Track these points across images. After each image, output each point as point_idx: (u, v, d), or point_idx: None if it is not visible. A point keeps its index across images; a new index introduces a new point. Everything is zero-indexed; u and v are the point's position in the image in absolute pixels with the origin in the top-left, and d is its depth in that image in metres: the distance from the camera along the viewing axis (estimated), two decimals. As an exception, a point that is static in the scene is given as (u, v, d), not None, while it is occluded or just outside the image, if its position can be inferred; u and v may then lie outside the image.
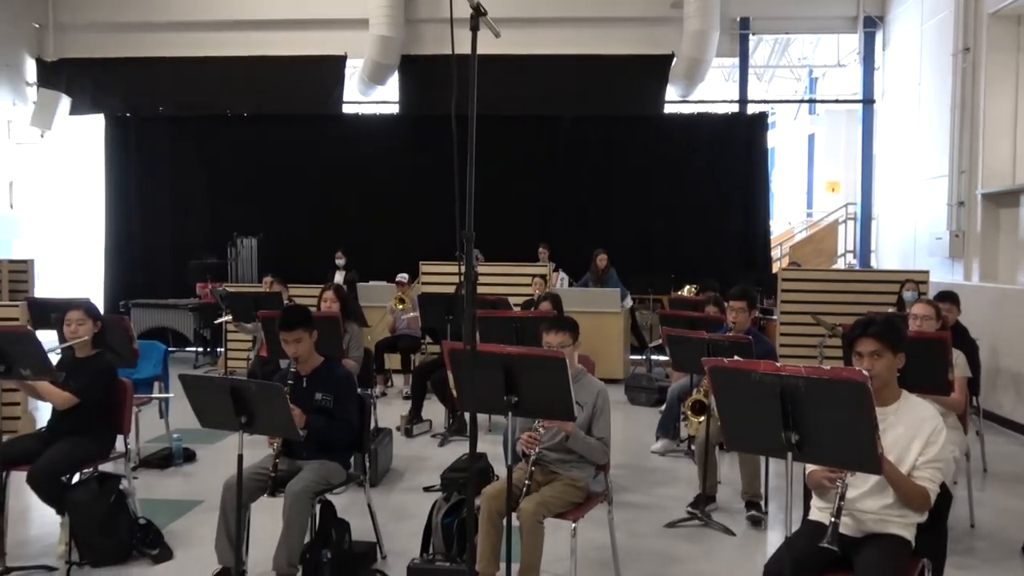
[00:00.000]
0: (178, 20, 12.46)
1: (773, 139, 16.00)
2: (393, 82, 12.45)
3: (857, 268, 12.72)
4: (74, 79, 12.68)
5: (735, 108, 12.63)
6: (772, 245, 13.26)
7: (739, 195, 12.05)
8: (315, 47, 12.30)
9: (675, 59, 11.86)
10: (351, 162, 12.38)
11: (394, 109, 12.72)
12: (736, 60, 12.77)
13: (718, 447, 5.30)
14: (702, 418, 5.14)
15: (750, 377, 2.63)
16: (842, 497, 2.80)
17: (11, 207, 12.25)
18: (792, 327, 8.80)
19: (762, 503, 5.11)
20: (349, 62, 12.42)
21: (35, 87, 12.68)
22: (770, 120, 13.77)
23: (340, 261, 10.85)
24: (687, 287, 10.25)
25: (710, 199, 12.00)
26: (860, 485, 3.00)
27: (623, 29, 12.05)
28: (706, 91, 13.05)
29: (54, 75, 12.69)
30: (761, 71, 17.34)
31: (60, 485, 4.35)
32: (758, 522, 5.00)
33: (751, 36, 12.67)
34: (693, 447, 6.04)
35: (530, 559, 3.59)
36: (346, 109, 12.71)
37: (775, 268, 12.55)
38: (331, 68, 12.37)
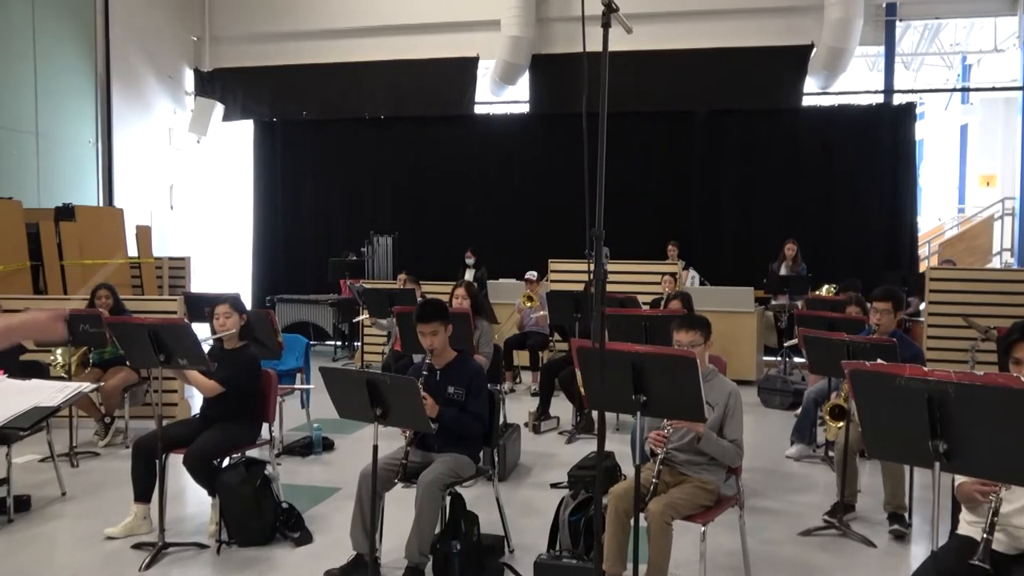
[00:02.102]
0: (320, 28, 13.02)
1: (922, 130, 15.12)
2: (524, 82, 12.56)
3: (1015, 267, 11.85)
4: (227, 88, 13.51)
5: (880, 99, 12.01)
6: (920, 243, 12.53)
7: (884, 190, 11.46)
8: (448, 49, 12.57)
9: (815, 49, 11.40)
10: (482, 162, 12.60)
11: (524, 109, 12.84)
12: (881, 48, 12.13)
13: (859, 454, 5.07)
14: (841, 424, 4.93)
15: (895, 382, 2.50)
16: (996, 512, 2.62)
17: (171, 208, 13.18)
18: (941, 330, 8.29)
19: (906, 515, 4.86)
20: (481, 63, 12.62)
21: (192, 96, 13.59)
22: (919, 111, 12.98)
23: (470, 260, 11.06)
24: (825, 287, 9.84)
25: (852, 194, 11.47)
26: (1016, 500, 2.80)
27: (759, 20, 11.68)
28: (849, 82, 12.46)
29: (209, 84, 13.57)
30: (909, 59, 16.39)
31: (212, 468, 4.64)
32: (901, 536, 4.75)
33: (898, 22, 12.01)
34: (831, 453, 5.80)
35: (658, 560, 3.55)
36: (478, 110, 12.92)
37: (923, 267, 11.86)
38: (464, 69, 12.61)
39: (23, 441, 5.44)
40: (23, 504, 5.12)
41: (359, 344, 10.33)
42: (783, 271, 10.30)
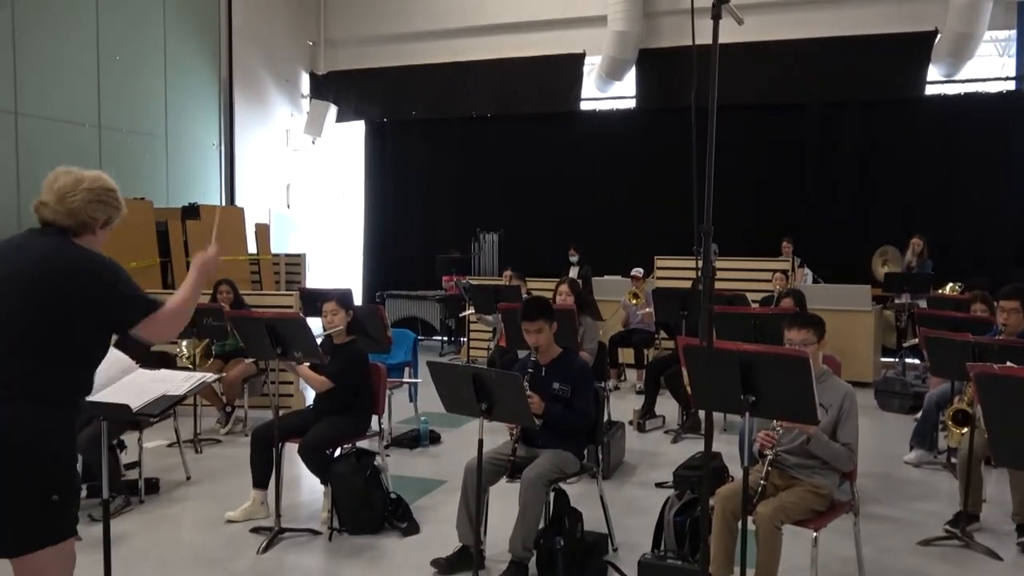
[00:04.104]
0: (429, 29, 13.27)
1: (1059, 119, 14.12)
2: (630, 77, 12.45)
3: None
4: (340, 90, 13.95)
5: (1011, 86, 11.31)
6: (1056, 239, 11.74)
7: (1015, 182, 10.79)
8: (555, 46, 12.58)
9: (939, 35, 10.83)
10: (587, 158, 12.56)
11: (631, 104, 12.72)
12: (1013, 32, 11.40)
13: (984, 462, 4.80)
14: (965, 429, 4.68)
15: (1025, 386, 2.36)
16: None
17: (288, 207, 13.72)
18: (1080, 332, 7.75)
19: (1037, 527, 4.58)
20: (587, 59, 12.58)
21: (308, 98, 14.10)
22: (1055, 97, 12.16)
23: (573, 258, 11.04)
24: (949, 285, 9.35)
25: (980, 188, 10.85)
26: None
27: (876, 7, 11.17)
28: (976, 68, 11.78)
29: (324, 87, 14.04)
30: (1045, 43, 15.35)
31: (324, 458, 4.81)
32: (1033, 549, 4.48)
33: (1032, 4, 11.27)
34: (953, 460, 5.52)
35: (766, 565, 3.47)
36: (584, 106, 12.88)
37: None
38: (570, 66, 12.59)
39: (152, 427, 5.76)
40: (152, 486, 5.45)
41: (465, 339, 10.49)
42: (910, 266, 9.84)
